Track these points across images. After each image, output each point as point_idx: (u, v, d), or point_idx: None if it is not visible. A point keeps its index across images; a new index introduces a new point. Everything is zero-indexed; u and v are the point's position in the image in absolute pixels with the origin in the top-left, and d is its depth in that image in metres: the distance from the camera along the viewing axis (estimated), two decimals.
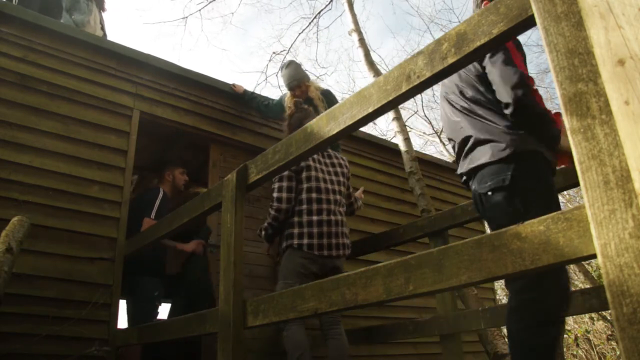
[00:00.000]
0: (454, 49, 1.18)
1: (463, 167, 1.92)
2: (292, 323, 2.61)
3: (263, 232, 2.89)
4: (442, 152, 9.71)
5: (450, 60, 1.19)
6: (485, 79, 1.86)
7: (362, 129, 4.52)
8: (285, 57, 9.77)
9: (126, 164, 3.29)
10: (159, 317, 3.56)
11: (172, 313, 3.85)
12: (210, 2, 8.65)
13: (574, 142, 0.85)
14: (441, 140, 9.88)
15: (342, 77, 32.05)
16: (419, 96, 10.31)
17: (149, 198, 3.58)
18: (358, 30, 5.78)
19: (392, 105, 1.39)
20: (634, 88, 0.76)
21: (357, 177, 4.68)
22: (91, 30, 4.06)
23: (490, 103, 1.85)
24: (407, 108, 11.17)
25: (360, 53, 5.52)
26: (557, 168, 1.94)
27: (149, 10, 22.67)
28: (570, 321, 8.55)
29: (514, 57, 1.78)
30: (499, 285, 10.73)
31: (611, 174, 0.78)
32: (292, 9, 25.34)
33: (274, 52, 11.88)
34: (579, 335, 8.01)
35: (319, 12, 8.58)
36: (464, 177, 1.95)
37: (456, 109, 1.95)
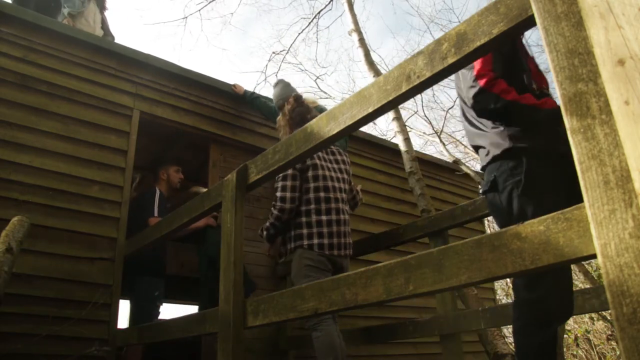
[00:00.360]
0: (454, 49, 1.18)
1: None
2: (325, 323, 2.48)
3: (264, 232, 2.80)
4: (442, 152, 9.71)
5: (450, 60, 1.19)
6: None
7: (362, 129, 4.52)
8: (285, 56, 9.78)
9: (126, 164, 3.29)
10: (160, 317, 3.55)
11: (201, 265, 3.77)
12: (210, 2, 8.65)
13: (574, 142, 0.85)
14: (441, 140, 9.88)
15: (342, 77, 32.05)
16: (419, 96, 10.31)
17: (146, 198, 3.58)
18: (358, 30, 5.78)
19: (392, 105, 1.39)
20: (634, 88, 0.76)
21: (357, 177, 4.67)
22: (88, 28, 4.05)
23: None
24: (407, 108, 11.17)
25: (360, 53, 5.52)
26: None
27: (149, 10, 22.67)
28: (570, 321, 8.54)
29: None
30: (499, 285, 10.73)
31: (611, 174, 0.78)
32: (292, 9, 25.35)
33: (273, 52, 11.88)
34: (579, 335, 8.01)
35: (319, 12, 8.58)
36: None
37: (465, 117, 1.98)
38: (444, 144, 9.75)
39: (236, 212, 1.96)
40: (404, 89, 1.31)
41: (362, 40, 5.62)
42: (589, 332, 7.99)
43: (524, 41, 1.99)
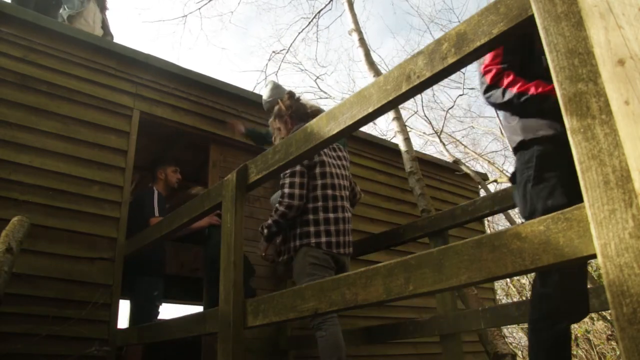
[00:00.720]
0: (454, 49, 1.18)
1: None
2: (329, 322, 2.43)
3: (265, 230, 2.66)
4: (442, 152, 9.71)
5: (450, 60, 1.19)
6: None
7: (362, 129, 4.52)
8: (284, 56, 9.78)
9: (126, 164, 3.29)
10: (160, 316, 3.55)
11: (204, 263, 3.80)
12: (210, 0, 8.65)
13: (574, 142, 0.85)
14: (441, 140, 9.88)
15: (342, 77, 32.07)
16: (419, 96, 10.31)
17: (145, 198, 3.58)
18: (358, 30, 5.78)
19: (392, 105, 1.39)
20: (634, 88, 0.76)
21: (357, 177, 4.67)
22: (88, 28, 4.05)
23: None
24: (407, 108, 11.17)
25: (360, 53, 5.52)
26: None
27: (149, 10, 22.68)
28: None
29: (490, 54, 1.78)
30: (499, 285, 10.73)
31: (611, 174, 0.78)
32: (292, 8, 25.33)
33: (273, 52, 11.89)
34: (579, 335, 8.01)
35: (319, 12, 8.59)
36: None
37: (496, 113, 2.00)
38: (444, 144, 9.75)
39: (236, 212, 1.96)
40: (404, 89, 1.31)
41: (362, 40, 5.61)
42: (589, 332, 7.99)
43: None
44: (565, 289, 1.64)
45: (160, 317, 3.53)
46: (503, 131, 2.11)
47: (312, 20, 8.89)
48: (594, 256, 0.81)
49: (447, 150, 9.37)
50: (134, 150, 3.36)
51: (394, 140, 5.63)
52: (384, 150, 5.06)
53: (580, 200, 0.85)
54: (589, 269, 8.19)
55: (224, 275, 1.94)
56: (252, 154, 2.68)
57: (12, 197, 2.80)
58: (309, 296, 1.48)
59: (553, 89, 1.70)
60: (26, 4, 3.88)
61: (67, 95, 3.17)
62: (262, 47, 28.68)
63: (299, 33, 9.27)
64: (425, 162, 5.35)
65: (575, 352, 8.12)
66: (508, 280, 10.70)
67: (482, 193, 6.10)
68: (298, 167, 2.61)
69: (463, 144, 12.79)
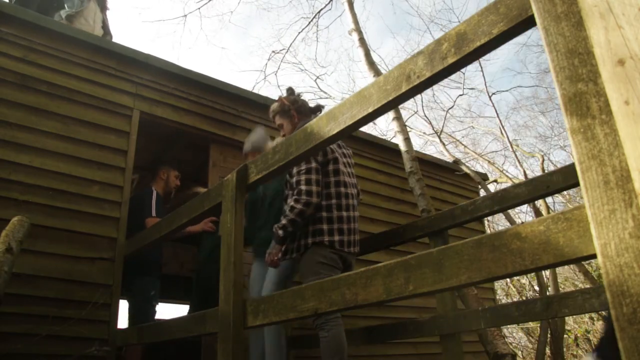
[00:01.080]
0: (454, 49, 1.18)
1: None
2: (332, 322, 2.39)
3: (280, 231, 2.50)
4: (442, 152, 9.70)
5: (450, 60, 1.19)
6: None
7: (362, 129, 4.52)
8: (284, 56, 9.77)
9: (126, 164, 3.29)
10: (157, 316, 3.55)
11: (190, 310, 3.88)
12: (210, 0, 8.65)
13: (574, 142, 0.85)
14: (441, 140, 9.87)
15: (342, 77, 32.05)
16: (419, 96, 10.31)
17: (143, 198, 3.57)
18: (358, 29, 5.77)
19: (392, 105, 1.39)
20: (634, 88, 0.76)
21: (357, 177, 4.64)
22: (87, 27, 4.04)
23: None
24: (407, 108, 11.16)
25: (360, 53, 5.51)
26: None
27: (149, 9, 22.67)
28: (570, 321, 8.56)
29: None
30: (499, 285, 10.73)
31: (611, 174, 0.78)
32: (292, 8, 25.28)
33: (273, 52, 11.87)
34: (579, 335, 8.01)
35: (319, 12, 8.58)
36: None
37: None
38: (444, 144, 9.75)
39: (236, 212, 1.96)
40: (404, 89, 1.31)
41: (362, 40, 5.61)
42: (589, 332, 8.00)
43: None
44: None
45: (158, 316, 3.53)
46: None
47: (312, 20, 8.89)
48: (594, 256, 0.81)
49: (447, 150, 9.37)
50: (134, 150, 3.36)
51: (394, 140, 5.63)
52: (384, 150, 5.06)
53: None
54: (589, 268, 8.20)
55: (224, 275, 1.94)
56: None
57: (12, 197, 2.80)
58: (309, 296, 1.48)
59: None
60: (28, 5, 3.88)
61: (67, 95, 3.17)
62: (262, 47, 28.68)
63: (299, 33, 9.27)
64: (425, 162, 5.35)
65: (575, 352, 8.12)
66: (508, 280, 10.70)
67: (482, 193, 6.09)
68: (313, 164, 2.53)
69: (463, 144, 12.79)
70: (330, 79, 32.62)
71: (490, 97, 9.76)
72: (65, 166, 3.04)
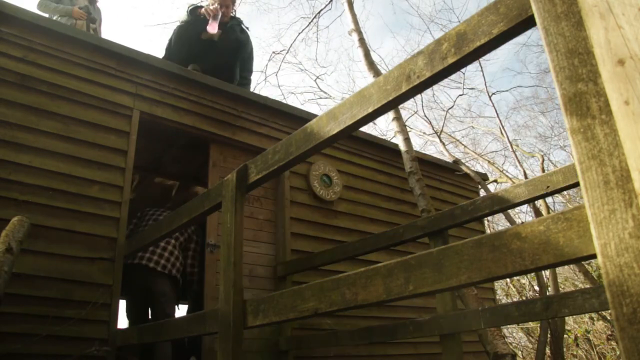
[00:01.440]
0: (454, 49, 1.18)
1: None
2: None
3: None
4: (442, 152, 9.70)
5: (450, 60, 1.19)
6: None
7: (362, 129, 4.51)
8: (285, 56, 9.76)
9: (126, 164, 3.29)
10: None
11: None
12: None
13: (574, 142, 0.85)
14: (441, 140, 9.86)
15: (342, 77, 32.01)
16: (419, 96, 10.30)
17: None
18: (358, 30, 5.77)
19: (392, 105, 1.39)
20: (634, 88, 0.76)
21: (357, 177, 4.68)
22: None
23: None
24: (407, 108, 11.15)
25: (360, 53, 5.51)
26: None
27: (147, 8, 22.65)
28: (570, 321, 8.55)
29: None
30: (499, 285, 10.73)
31: (611, 174, 0.78)
32: (292, 8, 25.31)
33: (273, 52, 11.89)
34: (579, 335, 8.01)
35: (319, 12, 8.58)
36: None
37: None
38: (444, 144, 9.74)
39: (236, 212, 1.96)
40: (404, 89, 1.31)
41: (362, 40, 5.61)
42: (589, 332, 7.99)
43: None
44: None
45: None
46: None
47: (312, 21, 8.89)
48: (594, 256, 0.81)
49: (447, 150, 9.36)
50: (134, 150, 3.36)
51: (394, 140, 5.62)
52: (384, 150, 5.06)
53: None
54: (589, 268, 8.20)
55: (224, 275, 1.94)
56: (252, 154, 2.68)
57: (12, 197, 2.80)
58: (309, 296, 1.48)
59: None
60: None
61: (67, 95, 3.17)
62: (262, 47, 28.66)
63: (299, 33, 9.29)
64: (425, 162, 5.34)
65: (575, 352, 8.12)
66: (508, 280, 10.70)
67: (482, 193, 6.09)
68: None
69: (463, 144, 12.78)
70: (330, 79, 32.63)
71: (490, 97, 9.76)
72: (65, 166, 3.04)
